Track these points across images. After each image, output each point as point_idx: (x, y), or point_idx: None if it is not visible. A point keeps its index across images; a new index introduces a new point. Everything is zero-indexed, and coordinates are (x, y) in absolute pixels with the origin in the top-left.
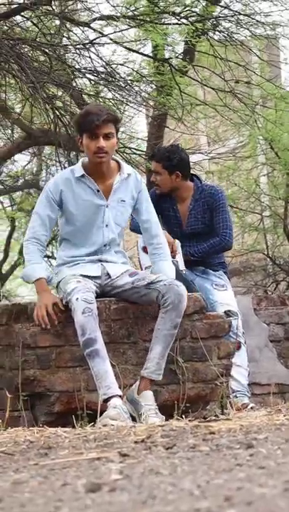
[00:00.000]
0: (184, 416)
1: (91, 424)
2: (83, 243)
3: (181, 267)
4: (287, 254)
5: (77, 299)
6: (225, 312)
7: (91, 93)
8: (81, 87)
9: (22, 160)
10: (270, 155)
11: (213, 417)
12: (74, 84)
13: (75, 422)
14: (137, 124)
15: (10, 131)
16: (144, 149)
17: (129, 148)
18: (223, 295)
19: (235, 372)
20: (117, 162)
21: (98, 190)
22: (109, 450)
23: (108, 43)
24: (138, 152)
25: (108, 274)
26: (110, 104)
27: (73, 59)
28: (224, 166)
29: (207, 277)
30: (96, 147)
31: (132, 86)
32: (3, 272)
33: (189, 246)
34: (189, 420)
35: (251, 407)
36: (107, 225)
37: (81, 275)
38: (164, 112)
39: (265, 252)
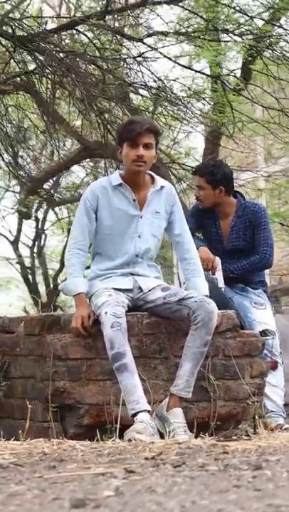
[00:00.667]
0: (213, 434)
1: (113, 438)
2: (115, 254)
3: (221, 284)
4: None
5: (106, 312)
6: (262, 331)
7: (143, 108)
8: (136, 102)
9: (80, 172)
10: None
11: (244, 437)
12: (129, 99)
13: (98, 435)
14: (193, 141)
15: (65, 143)
16: None
17: (183, 164)
18: (262, 314)
19: (271, 392)
20: (151, 176)
21: (134, 200)
22: (117, 466)
23: (159, 57)
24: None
25: (140, 287)
26: (164, 120)
27: (126, 73)
28: (276, 184)
29: (246, 295)
30: (136, 155)
31: (185, 102)
32: (60, 282)
33: (229, 263)
34: (211, 439)
35: (286, 428)
36: (139, 236)
37: (113, 288)
38: (217, 129)
39: None
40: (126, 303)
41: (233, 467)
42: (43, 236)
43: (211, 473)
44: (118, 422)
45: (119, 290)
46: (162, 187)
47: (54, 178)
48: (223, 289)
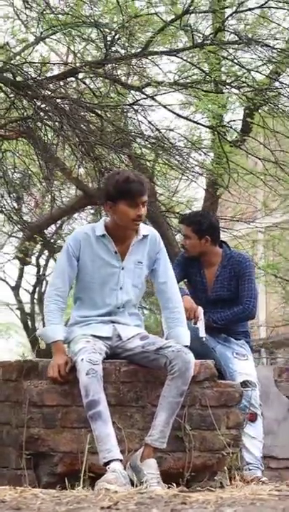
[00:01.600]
0: (187, 486)
1: (80, 487)
2: (96, 303)
3: (202, 334)
4: None
5: (82, 359)
6: (243, 382)
7: (142, 158)
8: (136, 150)
9: (83, 219)
10: None
11: (218, 489)
12: (130, 147)
13: (67, 484)
14: (195, 191)
15: (68, 191)
16: None
17: (182, 215)
18: (244, 364)
19: (250, 444)
20: None
21: (116, 252)
22: None
23: (158, 107)
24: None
25: (119, 335)
26: (162, 169)
27: (124, 122)
28: (270, 236)
29: (229, 345)
30: (136, 215)
31: (182, 153)
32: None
33: (213, 312)
34: (178, 489)
35: (263, 481)
36: (121, 288)
37: (92, 335)
38: (214, 180)
39: None
40: (104, 350)
41: None
42: (44, 282)
43: None
44: (83, 470)
45: (98, 337)
46: (146, 235)
47: (56, 225)
48: (204, 339)
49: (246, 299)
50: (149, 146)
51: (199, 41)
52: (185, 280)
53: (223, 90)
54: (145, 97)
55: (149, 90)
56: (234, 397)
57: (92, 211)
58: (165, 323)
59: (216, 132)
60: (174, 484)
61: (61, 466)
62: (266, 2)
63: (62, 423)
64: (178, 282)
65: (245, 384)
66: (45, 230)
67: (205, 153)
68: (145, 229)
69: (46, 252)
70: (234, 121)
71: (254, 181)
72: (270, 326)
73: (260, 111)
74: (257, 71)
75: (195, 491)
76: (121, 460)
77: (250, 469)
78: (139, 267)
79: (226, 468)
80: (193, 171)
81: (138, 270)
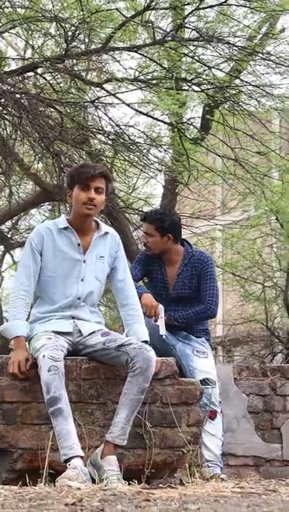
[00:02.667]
0: (147, 482)
1: (42, 483)
2: (57, 297)
3: (162, 331)
4: (286, 326)
5: (44, 356)
6: (203, 380)
7: (102, 154)
8: (96, 147)
9: (41, 215)
10: (275, 226)
11: (179, 485)
12: (89, 143)
13: (28, 480)
14: (154, 188)
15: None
16: None
17: (141, 211)
18: (203, 362)
19: (209, 442)
20: (96, 221)
21: (79, 244)
22: (35, 511)
23: (118, 104)
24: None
25: (80, 331)
26: (121, 166)
27: (83, 118)
28: (229, 234)
29: (189, 343)
30: (87, 198)
31: (142, 149)
32: None
33: (174, 310)
34: (140, 486)
35: (222, 478)
36: (82, 279)
37: (53, 331)
38: (174, 177)
39: (265, 323)
40: (65, 347)
41: None
42: (0, 278)
43: None
44: (45, 467)
45: (59, 333)
46: (107, 233)
47: (13, 220)
48: (164, 337)
49: (208, 298)
50: (108, 142)
51: (160, 38)
52: (145, 278)
53: (184, 87)
54: (106, 93)
55: (109, 86)
56: (195, 395)
57: (49, 207)
58: (123, 320)
59: (176, 129)
60: (135, 481)
61: (21, 462)
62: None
63: (23, 419)
64: (138, 280)
65: (204, 382)
66: (1, 226)
67: (165, 150)
68: (106, 227)
69: (2, 248)
70: (194, 118)
71: (213, 179)
72: (227, 324)
73: (220, 108)
74: (218, 68)
75: (157, 488)
76: (82, 457)
77: (209, 466)
78: (101, 261)
79: (186, 465)
80: (152, 168)
81: (100, 264)
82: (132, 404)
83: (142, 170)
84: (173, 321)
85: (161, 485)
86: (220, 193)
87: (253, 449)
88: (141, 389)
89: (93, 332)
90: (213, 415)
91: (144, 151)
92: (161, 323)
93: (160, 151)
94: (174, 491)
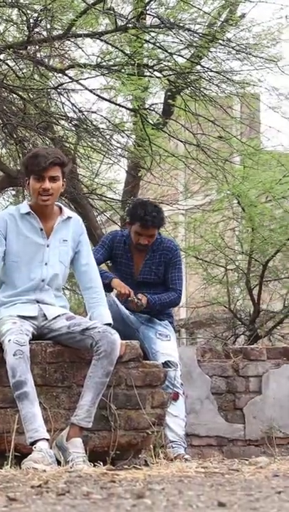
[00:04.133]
0: (113, 464)
1: (6, 466)
2: (21, 281)
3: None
4: (248, 308)
5: (9, 340)
6: (165, 362)
7: (64, 140)
8: (58, 133)
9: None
10: (236, 209)
11: (144, 466)
12: (52, 129)
13: None
14: (117, 173)
15: None
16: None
17: (105, 196)
18: (166, 345)
19: (172, 423)
20: (59, 206)
21: (41, 229)
22: (1, 493)
23: (81, 90)
24: (113, 202)
25: (45, 315)
26: (86, 152)
27: (46, 104)
28: (192, 218)
29: (152, 326)
30: (41, 188)
31: (105, 135)
32: None
33: (141, 291)
34: (104, 468)
35: (186, 459)
36: (46, 263)
37: (18, 316)
38: (136, 162)
39: (227, 306)
40: (30, 331)
41: (116, 496)
42: None
43: (92, 501)
44: (11, 450)
45: (24, 317)
46: (69, 217)
47: None
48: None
49: (178, 287)
50: (72, 128)
51: (122, 24)
52: (108, 262)
53: (146, 73)
54: (68, 79)
55: (71, 72)
56: (159, 377)
57: (13, 192)
58: (86, 303)
59: (138, 115)
60: (101, 463)
61: None
62: None
63: None
64: (100, 263)
65: (167, 364)
66: None
67: (128, 136)
68: (69, 212)
69: None
70: (156, 104)
71: (176, 164)
72: (191, 306)
73: (182, 94)
74: (179, 55)
75: (122, 470)
76: (47, 439)
77: (173, 447)
78: (64, 245)
79: (151, 446)
80: (115, 153)
81: (64, 248)
82: (97, 387)
83: (104, 155)
84: (149, 302)
85: (126, 466)
86: (182, 178)
87: (216, 429)
88: (106, 372)
89: (58, 316)
90: (175, 397)
91: (108, 136)
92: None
93: (123, 137)
94: (138, 472)
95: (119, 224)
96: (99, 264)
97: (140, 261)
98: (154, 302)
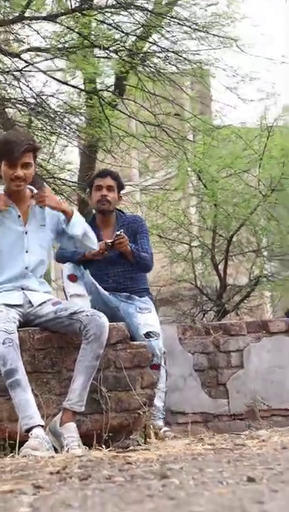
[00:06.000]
0: (104, 446)
1: (11, 454)
2: (4, 269)
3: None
4: (214, 284)
5: None
6: (146, 333)
7: (22, 124)
8: (12, 116)
9: None
10: (198, 186)
11: (136, 447)
12: (5, 113)
13: None
14: (69, 155)
15: None
16: (76, 180)
17: (60, 179)
18: (146, 316)
19: None
20: (31, 189)
21: (19, 216)
22: (24, 482)
23: (36, 71)
24: (70, 184)
25: (30, 302)
26: (41, 135)
27: (3, 89)
28: (154, 197)
29: (132, 302)
30: (14, 176)
31: (62, 118)
32: None
33: (115, 270)
34: (109, 450)
35: (164, 431)
36: (27, 251)
37: (3, 304)
38: (93, 143)
39: (194, 282)
40: (17, 318)
41: (139, 477)
42: None
43: (118, 484)
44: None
45: (10, 306)
46: None
47: None
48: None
49: (149, 251)
50: (27, 111)
51: (76, 6)
52: None
53: (101, 54)
54: (26, 64)
55: (27, 56)
56: (147, 358)
57: None
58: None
59: (94, 97)
60: (96, 445)
61: None
62: None
63: None
64: None
65: (148, 335)
66: None
67: (86, 118)
68: None
69: None
70: (112, 86)
71: (134, 143)
72: (157, 285)
73: (138, 73)
74: (134, 35)
75: (130, 451)
76: (42, 426)
77: (151, 419)
78: (42, 230)
79: (142, 426)
80: (72, 135)
81: (42, 233)
82: (87, 371)
83: (58, 136)
84: (134, 256)
85: (132, 448)
86: (141, 157)
87: (201, 405)
88: (96, 355)
89: (44, 302)
90: (155, 368)
91: (65, 119)
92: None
93: (80, 120)
94: (147, 452)
95: (76, 203)
96: None
97: (109, 237)
98: (138, 252)
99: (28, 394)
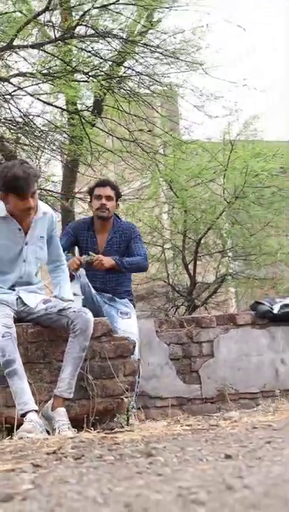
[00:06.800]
0: (93, 428)
1: (9, 437)
2: (3, 276)
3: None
4: (185, 281)
5: None
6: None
7: (11, 140)
8: (2, 134)
9: None
10: (169, 194)
11: (119, 428)
12: None
13: None
14: (53, 168)
15: None
16: (59, 191)
17: (45, 190)
18: (126, 323)
19: None
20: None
21: (20, 229)
22: (23, 461)
23: (24, 95)
24: (54, 194)
25: (23, 302)
26: (27, 150)
27: None
28: (130, 204)
29: (114, 305)
30: (26, 207)
31: (47, 135)
32: None
33: (106, 274)
34: (97, 432)
35: (154, 419)
36: (24, 260)
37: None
38: (75, 158)
39: (166, 280)
40: (11, 315)
41: (127, 456)
42: None
43: (109, 462)
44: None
45: (4, 305)
46: (45, 213)
47: None
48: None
49: (142, 252)
50: (15, 129)
51: (59, 35)
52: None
53: (81, 78)
54: (14, 87)
55: (15, 80)
56: (128, 348)
57: None
58: (53, 281)
59: (76, 116)
60: (83, 427)
61: None
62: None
63: None
64: (67, 249)
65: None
66: None
67: (68, 135)
68: (44, 207)
69: None
70: (91, 106)
71: (112, 158)
72: (134, 283)
73: (114, 95)
74: (112, 60)
75: (117, 433)
76: (36, 411)
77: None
78: (41, 241)
79: (125, 410)
80: (56, 152)
81: (40, 244)
82: (75, 361)
83: (43, 151)
84: (120, 265)
85: (117, 429)
86: (118, 170)
87: (176, 391)
88: (82, 347)
89: (36, 304)
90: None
91: (50, 137)
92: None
93: (63, 137)
94: (132, 433)
95: (60, 211)
96: (64, 250)
97: (103, 242)
98: (122, 261)
99: (24, 382)
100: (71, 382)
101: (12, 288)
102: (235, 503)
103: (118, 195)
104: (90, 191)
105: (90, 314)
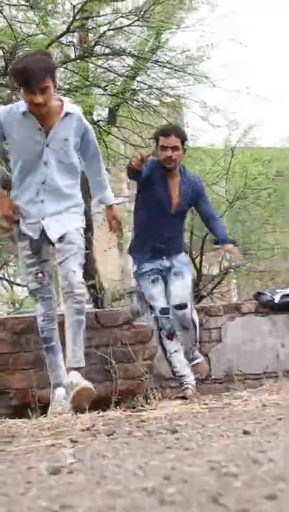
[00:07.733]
0: (118, 407)
1: (43, 415)
2: (23, 181)
3: None
4: (192, 274)
5: (37, 301)
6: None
7: None
8: None
9: None
10: None
11: (140, 407)
12: None
13: (30, 413)
14: None
15: None
16: None
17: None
18: (179, 284)
19: (174, 357)
20: (60, 100)
21: (40, 129)
22: (62, 437)
23: None
24: None
25: (47, 236)
26: None
27: None
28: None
29: (170, 266)
30: (32, 101)
31: None
32: None
33: (171, 224)
34: (123, 410)
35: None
36: (46, 163)
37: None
38: None
39: None
40: (40, 270)
41: (154, 432)
42: None
43: (139, 438)
44: (36, 402)
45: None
46: (69, 113)
47: None
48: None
49: (218, 217)
50: None
51: (80, 54)
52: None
53: (99, 92)
54: None
55: None
56: (147, 335)
57: None
58: (92, 188)
59: (94, 125)
60: (108, 406)
61: (15, 399)
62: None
63: (14, 366)
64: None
65: (180, 306)
66: None
67: None
68: (69, 106)
69: None
70: (105, 118)
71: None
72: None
73: (128, 106)
74: (126, 76)
75: (140, 411)
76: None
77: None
78: (65, 145)
79: (144, 390)
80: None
81: (64, 147)
82: (72, 326)
83: None
84: (224, 238)
85: (140, 407)
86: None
87: None
88: (75, 310)
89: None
90: (170, 337)
91: None
92: None
93: None
94: (155, 412)
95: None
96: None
97: (175, 192)
98: (230, 239)
99: (58, 358)
100: (75, 349)
101: (36, 198)
102: (265, 476)
103: (184, 141)
104: (156, 138)
105: (76, 278)
